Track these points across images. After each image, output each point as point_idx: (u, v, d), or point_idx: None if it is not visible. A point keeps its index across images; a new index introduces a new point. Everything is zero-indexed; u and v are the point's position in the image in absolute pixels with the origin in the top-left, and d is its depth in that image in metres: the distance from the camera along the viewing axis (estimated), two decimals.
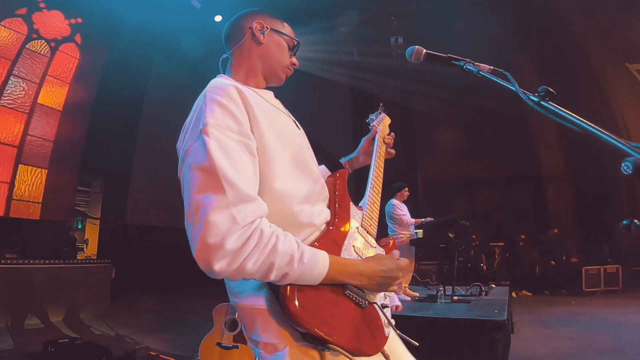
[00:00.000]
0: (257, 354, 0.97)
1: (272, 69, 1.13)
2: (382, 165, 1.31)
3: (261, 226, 0.83)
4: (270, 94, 1.14)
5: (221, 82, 0.97)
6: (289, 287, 0.86)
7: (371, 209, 1.15)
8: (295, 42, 1.17)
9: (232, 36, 1.14)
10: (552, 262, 8.45)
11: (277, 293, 0.88)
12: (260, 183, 0.91)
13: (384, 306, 1.04)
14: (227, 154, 0.83)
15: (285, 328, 0.89)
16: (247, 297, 0.95)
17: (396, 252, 1.08)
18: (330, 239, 0.98)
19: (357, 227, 1.07)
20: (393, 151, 1.38)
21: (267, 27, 1.11)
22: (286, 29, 1.16)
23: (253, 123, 0.92)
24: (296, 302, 0.85)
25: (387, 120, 1.53)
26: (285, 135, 1.00)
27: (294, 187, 0.98)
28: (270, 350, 0.92)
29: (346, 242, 1.01)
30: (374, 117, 1.50)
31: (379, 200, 1.21)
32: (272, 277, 0.83)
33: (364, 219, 1.11)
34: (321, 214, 1.03)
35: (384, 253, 1.11)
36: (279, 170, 0.95)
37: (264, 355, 0.94)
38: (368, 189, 1.20)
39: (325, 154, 1.21)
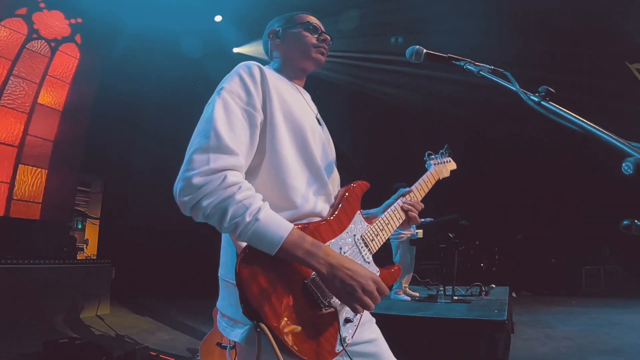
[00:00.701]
0: (220, 326, 1.00)
1: (298, 56, 1.22)
2: (420, 198, 1.31)
3: (227, 174, 0.88)
4: (307, 95, 1.23)
5: (251, 61, 1.07)
6: (250, 251, 0.86)
7: (381, 227, 1.14)
8: (309, 24, 1.22)
9: (265, 52, 1.31)
10: (553, 260, 8.41)
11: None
12: (264, 151, 1.01)
13: (347, 320, 0.98)
14: (227, 112, 0.95)
15: None
16: (224, 270, 1.00)
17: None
18: (317, 229, 0.97)
19: (354, 235, 1.05)
20: (418, 219, 1.28)
21: (278, 30, 1.23)
22: (298, 18, 1.24)
23: (266, 100, 1.02)
24: (250, 268, 0.85)
25: (452, 166, 1.51)
26: (295, 119, 1.06)
27: (294, 165, 1.03)
28: (234, 324, 0.95)
29: (333, 241, 0.99)
30: (436, 157, 1.48)
31: (396, 226, 1.19)
32: (225, 224, 0.86)
33: (367, 232, 1.09)
34: (315, 205, 1.04)
35: (378, 271, 1.09)
36: (283, 146, 1.02)
37: (226, 327, 0.97)
38: (390, 209, 1.20)
39: (351, 165, 1.22)
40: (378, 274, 1.09)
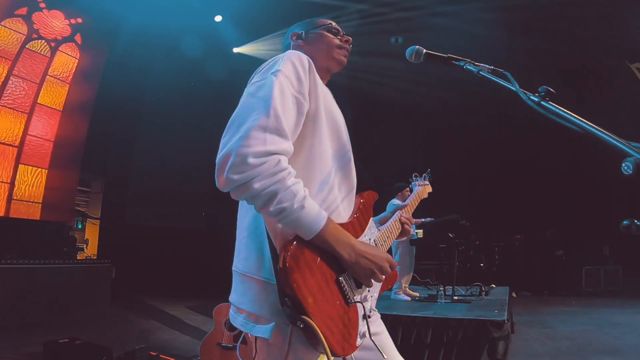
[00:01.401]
0: (237, 322, 1.00)
1: (322, 56, 1.23)
2: (410, 212, 1.44)
3: (281, 159, 0.90)
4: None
5: (299, 52, 1.10)
6: (296, 248, 0.90)
7: (387, 235, 1.22)
8: (331, 26, 1.26)
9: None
10: (560, 252, 8.39)
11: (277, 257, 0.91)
12: (303, 140, 1.02)
13: (366, 316, 1.03)
14: (283, 96, 0.95)
15: (276, 303, 0.91)
16: (248, 265, 0.99)
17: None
18: (344, 227, 1.01)
19: (370, 239, 1.11)
20: (411, 232, 1.38)
21: (301, 32, 1.27)
22: (319, 22, 1.28)
23: (312, 91, 1.04)
24: (297, 265, 0.88)
25: (429, 188, 1.68)
26: (333, 115, 1.10)
27: (328, 161, 1.06)
28: (256, 320, 0.95)
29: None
30: (419, 179, 1.65)
31: (396, 234, 1.28)
32: (272, 207, 0.88)
33: (378, 237, 1.16)
34: (340, 202, 1.08)
35: None
36: (323, 137, 1.05)
37: (246, 324, 0.97)
38: (390, 221, 1.28)
39: (361, 173, 1.25)
40: None
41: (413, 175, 1.67)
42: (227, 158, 0.87)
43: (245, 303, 0.98)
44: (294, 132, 0.98)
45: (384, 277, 1.01)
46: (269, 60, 1.06)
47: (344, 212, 1.09)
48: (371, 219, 1.16)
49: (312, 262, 0.91)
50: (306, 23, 1.29)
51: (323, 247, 0.93)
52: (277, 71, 0.98)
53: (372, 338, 1.04)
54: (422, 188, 1.60)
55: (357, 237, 1.05)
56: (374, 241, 1.13)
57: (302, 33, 1.27)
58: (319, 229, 0.90)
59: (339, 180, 1.09)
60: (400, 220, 1.30)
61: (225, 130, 0.93)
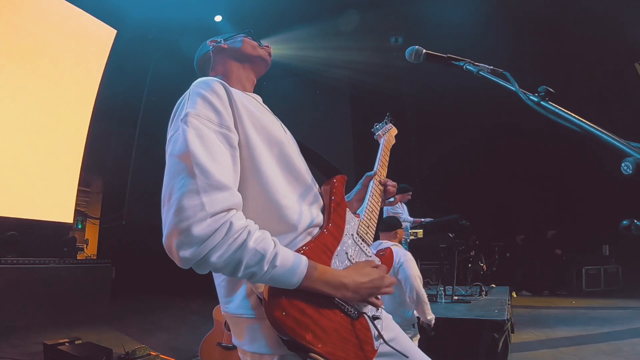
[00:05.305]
0: None
1: (246, 56, 1.17)
2: (385, 174, 1.31)
3: (232, 219, 0.79)
4: (258, 98, 1.16)
5: (207, 78, 0.98)
6: (272, 290, 0.83)
7: (369, 217, 1.14)
8: (251, 32, 1.23)
9: (203, 68, 1.22)
10: (559, 251, 8.45)
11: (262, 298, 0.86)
12: (246, 175, 0.92)
13: (375, 317, 1.00)
14: (203, 142, 0.84)
15: (273, 337, 0.87)
16: (235, 306, 0.94)
17: (383, 266, 1.04)
18: (322, 243, 0.96)
19: (352, 234, 1.05)
20: (392, 200, 1.30)
21: (220, 39, 1.19)
22: (234, 34, 1.23)
23: (237, 117, 0.93)
24: (279, 306, 0.82)
25: (394, 131, 1.52)
26: (269, 133, 0.99)
27: (280, 182, 0.97)
28: (260, 359, 0.91)
29: (339, 248, 0.98)
30: (380, 127, 1.49)
31: (378, 209, 1.20)
32: (240, 274, 0.80)
33: (360, 227, 1.08)
34: (312, 217, 1.00)
35: (379, 261, 1.07)
36: (265, 164, 0.95)
37: None
38: (367, 197, 1.19)
39: (321, 160, 1.18)
40: (378, 262, 1.10)
41: (374, 125, 1.48)
42: (170, 239, 0.77)
43: (245, 344, 0.93)
44: (234, 173, 0.87)
45: (381, 296, 0.97)
46: (179, 101, 0.94)
47: (321, 219, 1.03)
48: (347, 209, 1.07)
49: (299, 302, 0.85)
50: (222, 35, 1.22)
51: (310, 291, 0.86)
52: (186, 115, 0.86)
53: (390, 344, 1.01)
54: (387, 136, 1.45)
55: (338, 241, 0.99)
56: (357, 233, 1.06)
57: (222, 40, 1.19)
58: (300, 281, 0.83)
59: (303, 195, 1.02)
60: (381, 182, 1.25)
61: (161, 202, 0.82)
